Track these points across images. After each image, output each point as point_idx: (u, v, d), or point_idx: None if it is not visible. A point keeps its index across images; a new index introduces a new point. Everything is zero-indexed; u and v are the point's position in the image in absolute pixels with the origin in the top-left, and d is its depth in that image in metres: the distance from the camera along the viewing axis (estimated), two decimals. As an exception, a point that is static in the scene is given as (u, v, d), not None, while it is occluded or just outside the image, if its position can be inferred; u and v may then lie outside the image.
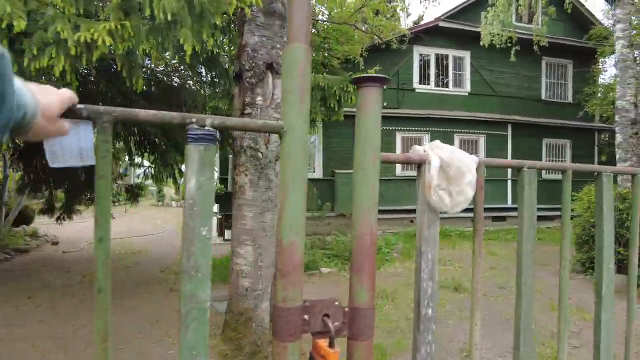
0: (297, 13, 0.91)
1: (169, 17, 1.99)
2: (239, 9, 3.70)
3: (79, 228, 11.73)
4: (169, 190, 23.36)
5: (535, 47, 10.48)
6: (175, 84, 5.45)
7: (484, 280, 6.74)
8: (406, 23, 16.80)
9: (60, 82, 2.18)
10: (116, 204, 15.92)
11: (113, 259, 8.51)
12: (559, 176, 1.42)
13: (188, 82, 5.63)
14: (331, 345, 0.95)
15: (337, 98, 4.99)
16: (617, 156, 6.92)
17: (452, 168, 1.13)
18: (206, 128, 0.91)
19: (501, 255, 8.56)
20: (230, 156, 9.14)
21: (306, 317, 0.94)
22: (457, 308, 5.32)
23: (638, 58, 6.98)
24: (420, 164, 1.15)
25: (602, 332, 1.46)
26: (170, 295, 5.98)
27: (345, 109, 12.42)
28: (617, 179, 7.00)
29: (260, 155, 3.63)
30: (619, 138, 6.89)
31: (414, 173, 13.21)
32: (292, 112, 0.88)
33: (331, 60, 9.94)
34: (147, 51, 2.55)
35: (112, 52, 2.19)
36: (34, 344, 4.11)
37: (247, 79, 3.63)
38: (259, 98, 3.64)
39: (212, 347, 3.96)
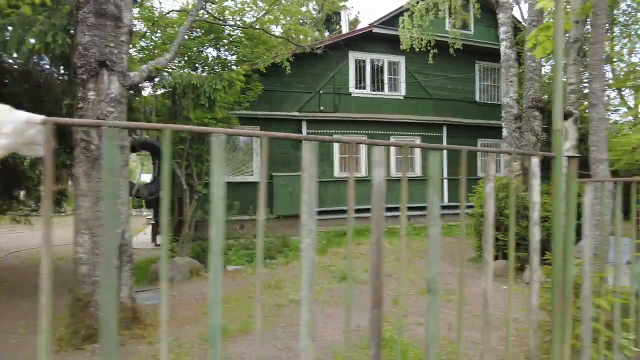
0: None
1: None
2: (72, 11, 3.90)
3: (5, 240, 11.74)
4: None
5: (451, 50, 10.99)
6: (41, 81, 5.62)
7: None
8: (348, 29, 17.26)
9: None
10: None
11: (28, 265, 8.46)
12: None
13: (55, 76, 5.80)
14: None
15: (208, 96, 5.19)
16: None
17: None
18: None
19: (416, 249, 8.89)
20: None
21: None
22: (331, 295, 5.57)
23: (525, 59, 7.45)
24: None
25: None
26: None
27: (284, 113, 12.79)
28: (500, 170, 7.41)
29: (92, 147, 3.82)
30: (504, 132, 7.32)
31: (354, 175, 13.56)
32: None
33: (259, 66, 10.16)
34: None
35: None
36: None
37: (79, 75, 3.83)
38: (91, 93, 3.84)
39: (55, 334, 4.09)
